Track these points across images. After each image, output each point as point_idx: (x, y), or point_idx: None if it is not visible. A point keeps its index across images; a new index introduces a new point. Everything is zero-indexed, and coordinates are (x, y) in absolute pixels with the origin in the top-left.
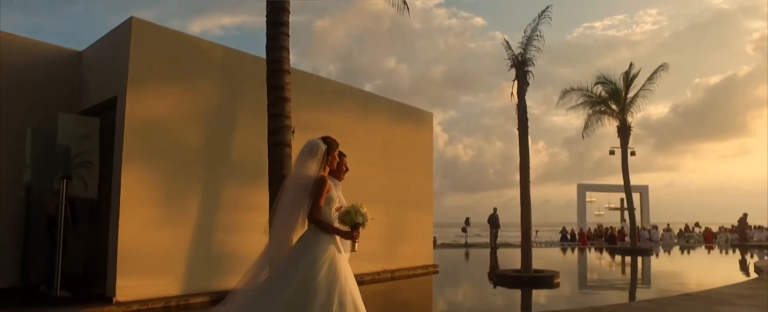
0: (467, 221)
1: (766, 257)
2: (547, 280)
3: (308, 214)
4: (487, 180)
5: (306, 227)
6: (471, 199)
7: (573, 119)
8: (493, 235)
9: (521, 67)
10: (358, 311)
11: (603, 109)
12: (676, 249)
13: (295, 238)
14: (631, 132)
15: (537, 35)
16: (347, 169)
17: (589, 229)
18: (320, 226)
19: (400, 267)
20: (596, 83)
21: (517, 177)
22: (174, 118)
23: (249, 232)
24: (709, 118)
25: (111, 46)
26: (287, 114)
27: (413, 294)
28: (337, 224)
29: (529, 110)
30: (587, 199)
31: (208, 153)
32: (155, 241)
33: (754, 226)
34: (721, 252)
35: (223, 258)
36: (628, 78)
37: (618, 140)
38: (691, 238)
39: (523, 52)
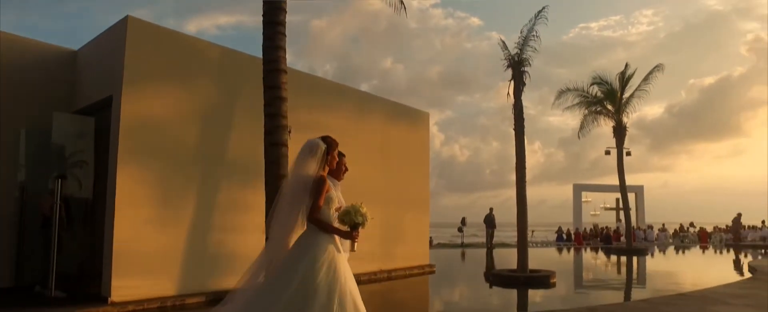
0: (463, 221)
1: (760, 257)
2: (543, 280)
3: (308, 214)
4: (483, 180)
5: (305, 227)
6: (467, 199)
7: (569, 119)
8: (490, 235)
9: (518, 67)
10: (358, 311)
11: (599, 109)
12: (671, 249)
13: (295, 237)
14: (627, 132)
15: (533, 35)
16: (347, 169)
17: (585, 229)
18: (320, 225)
19: (396, 267)
20: (592, 84)
21: (514, 177)
22: (170, 117)
23: (245, 232)
24: (703, 118)
25: (106, 45)
26: (284, 114)
27: (410, 294)
28: (336, 224)
29: (525, 110)
30: (583, 199)
31: (204, 153)
32: (151, 241)
33: (748, 226)
34: (715, 252)
35: (220, 258)
36: (624, 78)
37: (613, 140)
38: (686, 238)
39: (519, 52)
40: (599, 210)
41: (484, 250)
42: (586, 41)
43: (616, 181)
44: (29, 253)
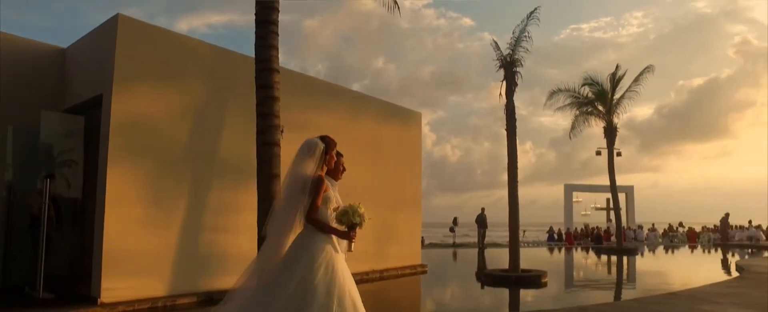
0: (455, 221)
1: (747, 256)
2: (534, 279)
3: (306, 214)
4: (474, 180)
5: (303, 227)
6: (459, 199)
7: (560, 120)
8: (481, 235)
9: (510, 67)
10: (357, 311)
11: (590, 110)
12: (660, 248)
13: (292, 237)
14: (617, 133)
15: (525, 36)
16: (344, 169)
17: (576, 228)
18: (317, 225)
19: (388, 267)
20: (583, 84)
21: (505, 177)
22: (161, 116)
23: (237, 232)
24: (692, 119)
25: (96, 43)
26: (276, 113)
27: (402, 294)
28: (333, 224)
29: (517, 111)
30: (574, 200)
31: (196, 152)
32: (141, 241)
33: (736, 226)
34: (703, 251)
35: (211, 258)
36: (615, 79)
37: (604, 141)
38: (675, 238)
39: (511, 52)
40: (590, 210)
41: (475, 250)
42: (577, 42)
43: (606, 182)
44: (17, 254)
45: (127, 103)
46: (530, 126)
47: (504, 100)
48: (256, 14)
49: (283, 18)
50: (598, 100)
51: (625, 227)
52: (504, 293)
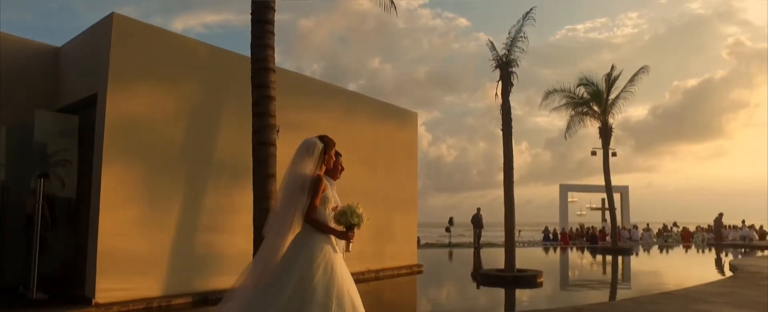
0: (451, 221)
1: (740, 256)
2: (530, 279)
3: (304, 214)
4: (470, 180)
5: (301, 227)
6: (455, 199)
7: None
8: (477, 235)
9: (506, 67)
10: (356, 311)
11: (585, 110)
12: (655, 248)
13: (291, 237)
14: (613, 133)
15: (521, 36)
16: (343, 169)
17: (571, 228)
18: (316, 225)
19: (384, 267)
20: (579, 85)
21: (501, 177)
22: (156, 116)
23: (233, 232)
24: (686, 120)
25: (91, 42)
26: (272, 113)
27: (398, 294)
28: (332, 224)
29: (512, 111)
30: (569, 200)
31: (191, 152)
32: (136, 241)
33: (729, 226)
34: (697, 251)
35: (207, 258)
36: (610, 80)
37: (599, 141)
38: (669, 238)
39: (507, 53)
40: (585, 210)
41: (471, 250)
42: (572, 43)
43: (601, 182)
44: (10, 254)
45: (121, 102)
46: (526, 126)
47: (500, 100)
48: (252, 13)
49: (279, 17)
50: (594, 100)
51: (620, 227)
52: (500, 293)
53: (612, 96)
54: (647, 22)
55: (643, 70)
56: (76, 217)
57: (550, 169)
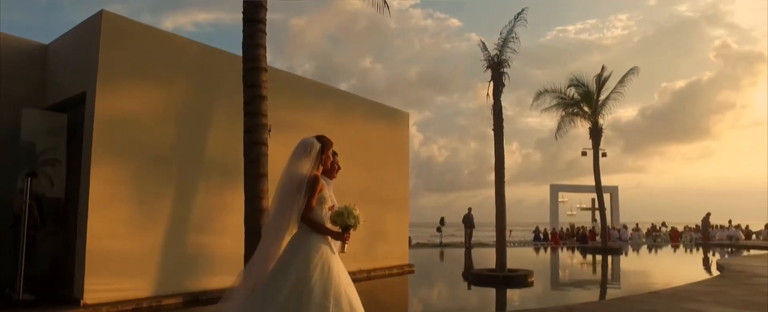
0: (442, 221)
1: (727, 255)
2: (521, 279)
3: (301, 214)
4: (461, 180)
5: (297, 228)
6: (446, 199)
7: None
8: (468, 235)
9: (497, 68)
10: (355, 311)
11: (575, 110)
12: (644, 248)
13: (288, 237)
14: (603, 134)
15: (513, 37)
16: (339, 168)
17: (562, 228)
18: (312, 225)
19: (376, 267)
20: (569, 85)
21: (491, 177)
22: (146, 115)
23: (224, 232)
24: (675, 121)
25: (79, 39)
26: (264, 112)
27: (389, 294)
28: (328, 224)
29: (503, 111)
30: (559, 200)
31: (182, 151)
32: (125, 241)
33: (717, 226)
34: (686, 251)
35: (197, 258)
36: (600, 81)
37: (590, 142)
38: (658, 238)
39: (499, 53)
40: (575, 210)
41: (462, 250)
42: (563, 44)
43: (591, 182)
44: None
45: (111, 101)
46: (517, 126)
47: (491, 100)
48: (243, 12)
49: (270, 16)
50: (584, 101)
51: (610, 227)
52: (491, 293)
53: (602, 97)
54: (637, 24)
55: (632, 71)
56: (65, 217)
57: (540, 169)
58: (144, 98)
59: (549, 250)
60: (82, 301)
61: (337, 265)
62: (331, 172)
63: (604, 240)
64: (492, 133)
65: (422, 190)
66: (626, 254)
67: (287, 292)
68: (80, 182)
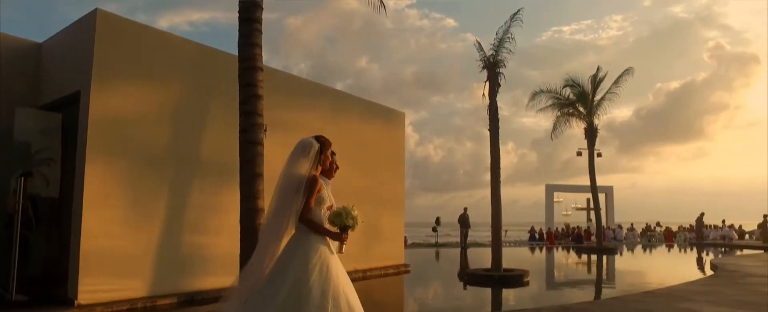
0: (438, 221)
1: (720, 255)
2: (517, 278)
3: (299, 214)
4: (457, 180)
5: (295, 228)
6: (441, 198)
7: (542, 121)
8: (464, 235)
9: (493, 68)
10: (353, 311)
11: (571, 111)
12: (639, 248)
13: (287, 237)
14: (598, 134)
15: (508, 37)
16: (337, 167)
17: (557, 228)
18: (311, 226)
19: (372, 267)
20: (565, 86)
21: (487, 177)
22: (141, 114)
23: (219, 233)
24: (670, 121)
25: (74, 38)
26: (260, 112)
27: (385, 294)
28: (326, 224)
29: (499, 111)
30: (555, 200)
31: (177, 151)
32: (120, 241)
33: (710, 226)
34: (680, 250)
35: (192, 258)
36: (595, 81)
37: (585, 142)
38: (652, 237)
39: (495, 53)
40: (571, 210)
41: (458, 250)
42: (558, 44)
43: (587, 182)
44: None
45: (106, 100)
46: (512, 127)
47: (487, 100)
48: (239, 12)
49: (266, 16)
50: (579, 101)
51: (605, 227)
52: (486, 292)
53: (597, 97)
54: (632, 25)
55: (627, 71)
56: (59, 217)
57: (536, 169)
58: (139, 97)
59: (544, 249)
60: (76, 302)
61: (335, 266)
62: (329, 172)
63: (599, 240)
64: (488, 133)
65: (418, 190)
66: (621, 254)
67: (286, 293)
68: (75, 182)
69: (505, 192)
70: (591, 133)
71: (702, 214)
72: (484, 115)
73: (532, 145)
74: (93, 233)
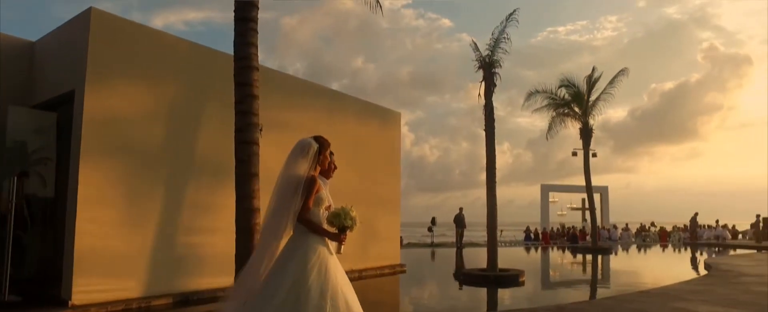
0: (433, 221)
1: (714, 255)
2: (512, 278)
3: (298, 215)
4: (452, 180)
5: (293, 229)
6: (437, 198)
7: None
8: (459, 235)
9: (489, 68)
10: (351, 311)
11: (566, 111)
12: (633, 247)
13: (286, 238)
14: (593, 134)
15: (504, 37)
16: (336, 167)
17: (552, 228)
18: (309, 226)
19: (367, 267)
20: (560, 86)
21: (483, 177)
22: (136, 113)
23: (214, 233)
24: (664, 122)
25: (67, 37)
26: (255, 111)
27: (381, 294)
28: (324, 225)
29: (495, 111)
30: (550, 200)
31: (172, 150)
32: (115, 241)
33: (704, 226)
34: (674, 250)
35: (188, 258)
36: (591, 81)
37: (580, 142)
38: (647, 237)
39: (490, 53)
40: (566, 210)
41: (453, 250)
42: (554, 44)
43: (582, 182)
44: None
45: (100, 99)
46: (508, 127)
47: (483, 100)
48: (235, 11)
49: (262, 15)
50: (575, 101)
51: (600, 227)
52: (482, 292)
53: (592, 97)
54: (626, 26)
55: (622, 72)
56: (54, 216)
57: (531, 169)
58: (134, 97)
59: (540, 249)
60: (70, 302)
61: (334, 266)
62: (327, 172)
63: (594, 240)
64: (483, 133)
65: (414, 190)
66: (616, 254)
67: (284, 294)
68: (69, 182)
69: (501, 192)
70: (586, 134)
71: (696, 214)
72: (480, 115)
73: (528, 145)
74: (87, 233)
